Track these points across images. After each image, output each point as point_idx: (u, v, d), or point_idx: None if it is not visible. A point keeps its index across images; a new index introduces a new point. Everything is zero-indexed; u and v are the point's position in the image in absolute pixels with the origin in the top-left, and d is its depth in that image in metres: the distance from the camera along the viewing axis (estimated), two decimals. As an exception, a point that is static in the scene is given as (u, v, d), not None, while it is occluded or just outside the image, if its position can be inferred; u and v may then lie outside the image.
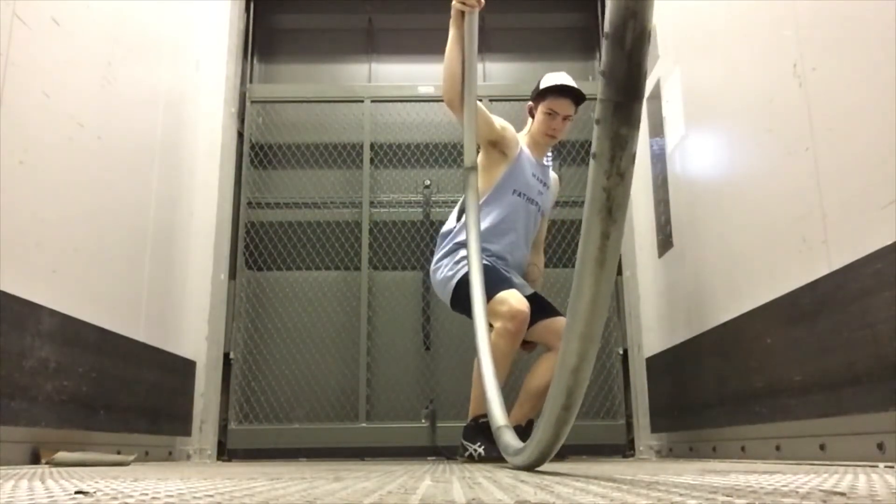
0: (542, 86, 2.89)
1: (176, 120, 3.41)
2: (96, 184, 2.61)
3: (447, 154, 4.01)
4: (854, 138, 1.81)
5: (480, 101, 3.99)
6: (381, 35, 4.39)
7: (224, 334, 3.67)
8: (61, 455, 2.09)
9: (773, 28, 2.21)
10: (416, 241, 3.87)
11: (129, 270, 2.89)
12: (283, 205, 3.97)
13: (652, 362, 3.47)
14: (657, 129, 3.42)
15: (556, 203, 3.34)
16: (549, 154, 3.21)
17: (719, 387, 2.61)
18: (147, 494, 0.84)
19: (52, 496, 0.85)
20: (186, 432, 3.37)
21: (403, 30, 4.39)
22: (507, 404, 2.14)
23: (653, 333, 3.53)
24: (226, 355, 3.67)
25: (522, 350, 2.89)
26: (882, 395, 1.65)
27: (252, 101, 4.03)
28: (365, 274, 3.82)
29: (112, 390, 2.65)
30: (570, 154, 4.03)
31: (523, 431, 2.62)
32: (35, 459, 2.13)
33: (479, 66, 4.22)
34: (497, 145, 2.85)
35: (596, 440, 3.58)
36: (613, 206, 0.93)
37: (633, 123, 0.91)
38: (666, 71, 3.30)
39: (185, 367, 3.38)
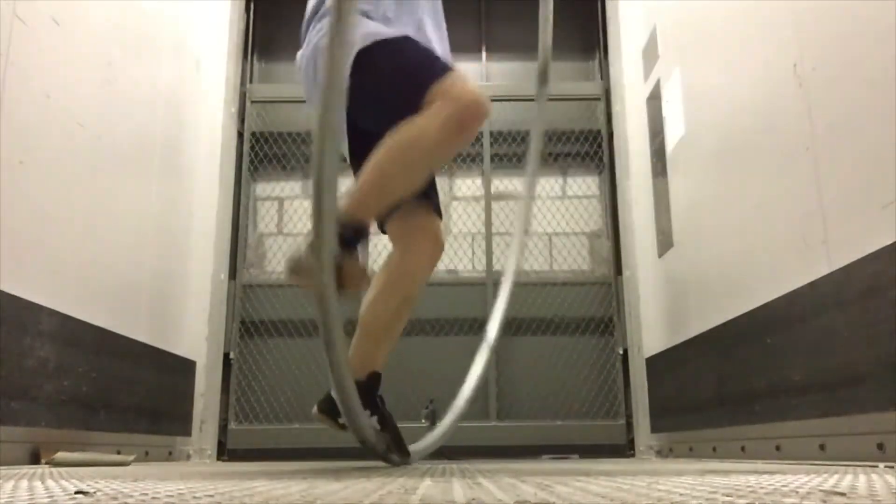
0: None
1: (176, 120, 3.41)
2: (96, 184, 2.61)
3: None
4: (854, 138, 1.81)
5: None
6: (380, 35, 4.38)
7: (224, 334, 3.67)
8: (61, 455, 2.09)
9: (773, 28, 2.21)
10: (416, 240, 3.87)
11: (129, 270, 2.89)
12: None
13: (652, 362, 3.47)
14: (657, 129, 3.42)
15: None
16: None
17: (719, 387, 2.61)
18: (147, 494, 0.84)
19: (52, 496, 0.84)
20: (186, 432, 3.37)
21: (403, 29, 4.39)
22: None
23: (653, 333, 3.53)
24: (226, 355, 3.67)
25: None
26: (882, 395, 1.65)
27: (252, 101, 4.03)
28: (365, 273, 3.81)
29: (112, 390, 2.65)
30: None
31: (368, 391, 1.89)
32: (35, 459, 2.13)
33: (480, 66, 4.23)
34: None
35: (596, 440, 3.58)
36: None
37: None
38: (666, 71, 3.30)
39: (185, 367, 3.38)
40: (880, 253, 1.65)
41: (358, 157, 1.85)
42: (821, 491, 0.83)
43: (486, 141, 3.99)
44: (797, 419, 2.04)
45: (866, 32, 1.75)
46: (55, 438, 2.22)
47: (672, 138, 3.22)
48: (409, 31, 1.85)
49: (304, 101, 2.19)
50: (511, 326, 3.73)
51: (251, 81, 4.17)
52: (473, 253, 3.92)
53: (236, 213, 3.88)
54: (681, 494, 0.81)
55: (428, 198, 2.00)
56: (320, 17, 1.93)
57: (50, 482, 1.15)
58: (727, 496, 0.77)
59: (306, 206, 3.99)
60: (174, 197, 3.39)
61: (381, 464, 1.96)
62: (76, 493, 0.89)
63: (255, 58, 4.24)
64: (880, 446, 1.65)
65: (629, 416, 3.65)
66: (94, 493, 0.88)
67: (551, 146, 4.06)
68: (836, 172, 1.89)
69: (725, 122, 2.65)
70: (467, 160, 4.02)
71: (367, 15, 1.85)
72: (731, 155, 2.60)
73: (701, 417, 2.78)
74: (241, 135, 3.98)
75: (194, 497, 0.80)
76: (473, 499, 0.79)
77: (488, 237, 3.87)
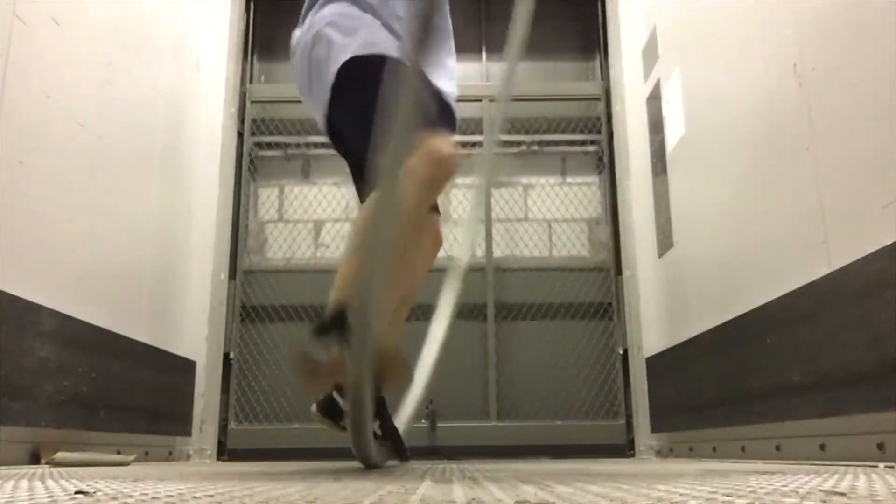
0: None
1: (176, 120, 3.41)
2: (96, 184, 2.61)
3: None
4: (854, 138, 1.81)
5: (479, 101, 4.04)
6: (380, 35, 4.38)
7: (224, 334, 3.67)
8: (61, 455, 2.09)
9: (773, 28, 2.21)
10: (416, 240, 3.87)
11: (129, 270, 2.89)
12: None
13: (652, 362, 3.47)
14: (657, 129, 3.42)
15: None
16: None
17: (719, 387, 2.61)
18: (147, 494, 0.84)
19: (52, 496, 0.84)
20: (186, 432, 3.37)
21: (403, 29, 4.39)
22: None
23: (653, 333, 3.53)
24: (226, 355, 3.67)
25: None
26: (882, 395, 1.65)
27: (252, 101, 4.03)
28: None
29: (112, 390, 2.65)
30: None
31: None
32: (35, 459, 2.13)
33: (480, 67, 4.23)
34: None
35: (596, 440, 3.58)
36: None
37: None
38: (666, 71, 3.30)
39: (185, 367, 3.38)
40: (880, 253, 1.65)
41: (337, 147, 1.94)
42: (821, 491, 0.83)
43: (486, 131, 3.98)
44: (797, 419, 2.04)
45: (866, 32, 1.75)
46: (55, 438, 2.22)
47: (672, 138, 3.22)
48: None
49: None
50: (511, 312, 3.75)
51: (251, 81, 4.17)
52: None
53: (236, 213, 3.88)
54: (681, 494, 0.81)
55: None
56: (324, 4, 1.90)
57: (50, 482, 1.15)
58: (727, 496, 0.77)
59: (306, 192, 4.01)
60: (174, 197, 3.39)
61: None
62: (76, 493, 0.89)
63: (255, 58, 4.24)
64: (880, 446, 1.65)
65: (629, 416, 3.65)
66: (94, 493, 0.88)
67: (552, 145, 4.06)
68: (836, 172, 1.89)
69: (725, 122, 2.65)
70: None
71: (374, 11, 1.83)
72: (731, 155, 2.60)
73: (701, 417, 2.78)
74: (241, 135, 3.98)
75: (194, 497, 0.80)
76: (473, 499, 0.79)
77: (488, 224, 3.88)
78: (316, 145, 3.99)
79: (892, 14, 1.64)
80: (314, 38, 1.84)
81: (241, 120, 3.99)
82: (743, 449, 2.38)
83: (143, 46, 3.06)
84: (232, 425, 3.61)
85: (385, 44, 1.77)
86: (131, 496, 0.82)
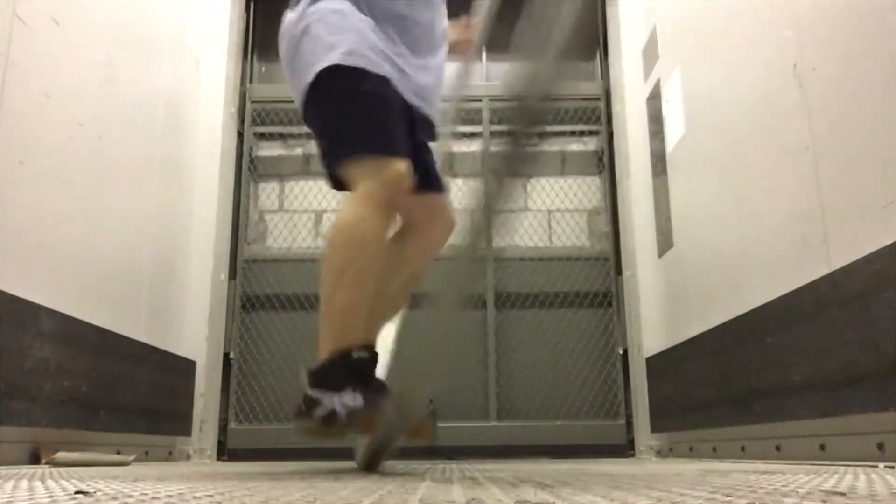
0: None
1: (176, 120, 3.41)
2: (96, 184, 2.61)
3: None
4: (854, 138, 1.81)
5: (480, 101, 4.04)
6: (381, 34, 4.38)
7: (224, 334, 3.67)
8: (61, 455, 2.09)
9: (773, 28, 2.21)
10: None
11: (129, 270, 2.89)
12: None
13: (652, 362, 3.47)
14: (657, 129, 3.42)
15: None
16: None
17: (719, 387, 2.61)
18: (147, 494, 0.84)
19: (52, 496, 0.84)
20: (186, 432, 3.37)
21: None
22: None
23: (653, 333, 3.53)
24: (226, 355, 3.67)
25: None
26: (882, 395, 1.65)
27: (252, 101, 4.04)
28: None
29: (112, 390, 2.65)
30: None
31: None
32: (35, 459, 2.13)
33: (480, 66, 4.22)
34: None
35: (596, 440, 3.58)
36: None
37: None
38: (666, 71, 3.30)
39: (185, 367, 3.38)
40: (880, 253, 1.65)
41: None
42: (821, 491, 0.83)
43: (486, 130, 3.98)
44: (797, 419, 2.04)
45: (866, 32, 1.75)
46: (55, 438, 2.22)
47: (672, 138, 3.22)
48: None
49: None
50: (510, 300, 3.76)
51: (251, 81, 4.16)
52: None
53: (236, 212, 3.88)
54: (681, 494, 0.81)
55: (431, 184, 1.93)
56: None
57: (50, 482, 1.15)
58: (727, 496, 0.77)
59: (305, 182, 4.01)
60: (174, 197, 3.39)
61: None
62: (76, 493, 0.89)
63: (254, 58, 4.24)
64: (880, 446, 1.65)
65: (629, 416, 3.65)
66: (94, 493, 0.88)
67: (552, 146, 4.06)
68: (836, 172, 1.89)
69: (725, 122, 2.65)
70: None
71: (369, 7, 1.79)
72: (730, 155, 2.60)
73: (701, 417, 2.78)
74: (240, 135, 3.98)
75: (194, 497, 0.80)
76: (473, 499, 0.79)
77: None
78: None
79: (892, 14, 1.64)
80: (303, 32, 1.83)
81: (241, 120, 4.00)
82: (743, 449, 2.38)
83: (143, 46, 3.06)
84: (232, 425, 3.61)
85: (369, 56, 1.75)
86: (131, 496, 0.82)
